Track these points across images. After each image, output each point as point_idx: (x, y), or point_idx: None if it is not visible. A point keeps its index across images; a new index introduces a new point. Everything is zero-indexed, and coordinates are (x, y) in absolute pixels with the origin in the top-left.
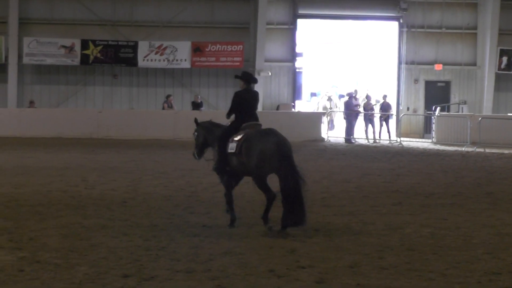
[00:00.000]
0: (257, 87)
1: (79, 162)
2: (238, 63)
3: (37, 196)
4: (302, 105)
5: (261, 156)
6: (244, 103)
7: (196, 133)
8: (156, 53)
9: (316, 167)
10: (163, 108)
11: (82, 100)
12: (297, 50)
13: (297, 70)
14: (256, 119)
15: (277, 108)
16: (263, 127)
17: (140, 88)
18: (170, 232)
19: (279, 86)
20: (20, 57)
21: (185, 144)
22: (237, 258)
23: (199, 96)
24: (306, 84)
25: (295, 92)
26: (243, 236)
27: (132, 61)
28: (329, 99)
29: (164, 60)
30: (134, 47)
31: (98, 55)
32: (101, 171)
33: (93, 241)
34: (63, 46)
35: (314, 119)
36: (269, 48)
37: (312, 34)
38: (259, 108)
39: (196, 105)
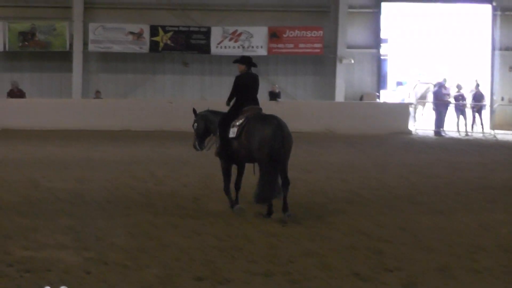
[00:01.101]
0: (339, 76)
1: (148, 156)
2: (318, 50)
3: (104, 192)
4: (388, 95)
5: (262, 141)
6: (245, 87)
7: (196, 124)
8: (230, 40)
9: (402, 161)
10: None
11: (151, 90)
12: (382, 36)
13: (381, 57)
14: (257, 103)
15: (361, 98)
16: (341, 119)
17: (213, 76)
18: (246, 231)
19: (362, 75)
20: (85, 44)
21: None
22: (319, 259)
23: (277, 86)
24: (392, 73)
25: (380, 81)
26: (324, 236)
27: (204, 48)
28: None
29: (238, 47)
30: (207, 33)
31: (168, 42)
32: (172, 165)
33: (164, 241)
34: (131, 33)
35: (401, 110)
36: (351, 33)
37: (398, 18)
38: (342, 98)
39: (274, 95)
